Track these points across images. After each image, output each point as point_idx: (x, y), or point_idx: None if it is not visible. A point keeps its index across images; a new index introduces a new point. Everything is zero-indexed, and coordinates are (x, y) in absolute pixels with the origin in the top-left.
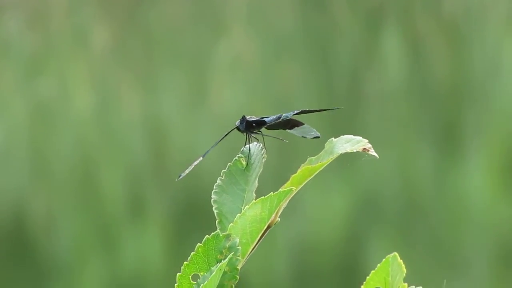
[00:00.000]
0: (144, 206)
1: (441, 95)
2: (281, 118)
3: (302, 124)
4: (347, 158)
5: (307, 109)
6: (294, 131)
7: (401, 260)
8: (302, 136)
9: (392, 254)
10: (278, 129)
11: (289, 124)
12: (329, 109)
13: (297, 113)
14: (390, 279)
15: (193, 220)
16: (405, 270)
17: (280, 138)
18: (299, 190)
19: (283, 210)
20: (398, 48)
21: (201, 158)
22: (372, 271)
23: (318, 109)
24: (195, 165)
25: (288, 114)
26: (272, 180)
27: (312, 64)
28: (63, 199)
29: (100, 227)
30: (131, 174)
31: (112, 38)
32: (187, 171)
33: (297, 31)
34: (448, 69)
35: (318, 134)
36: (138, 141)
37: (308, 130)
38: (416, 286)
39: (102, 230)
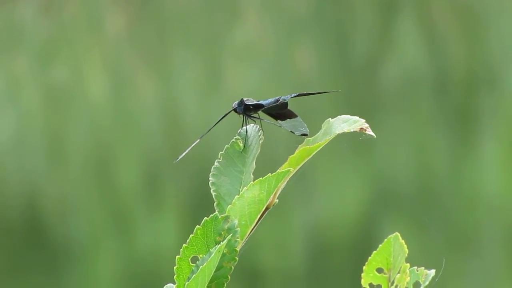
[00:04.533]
0: (159, 191)
1: (456, 81)
2: (279, 101)
3: (295, 116)
4: (363, 144)
5: (305, 92)
6: (285, 124)
7: (403, 241)
8: (290, 131)
9: (394, 234)
10: (275, 112)
11: (286, 108)
12: (326, 92)
13: (295, 96)
14: (392, 259)
15: (208, 205)
16: (407, 250)
17: (278, 125)
18: (316, 177)
19: (300, 196)
20: (413, 33)
21: (198, 140)
22: (374, 252)
23: (315, 92)
24: (192, 147)
25: (286, 97)
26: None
27: (326, 49)
28: (78, 184)
29: (115, 211)
30: (146, 159)
31: (127, 23)
32: (184, 154)
33: (312, 15)
34: (464, 55)
35: (307, 131)
36: (153, 126)
37: (299, 124)
38: (426, 268)
39: (117, 215)
